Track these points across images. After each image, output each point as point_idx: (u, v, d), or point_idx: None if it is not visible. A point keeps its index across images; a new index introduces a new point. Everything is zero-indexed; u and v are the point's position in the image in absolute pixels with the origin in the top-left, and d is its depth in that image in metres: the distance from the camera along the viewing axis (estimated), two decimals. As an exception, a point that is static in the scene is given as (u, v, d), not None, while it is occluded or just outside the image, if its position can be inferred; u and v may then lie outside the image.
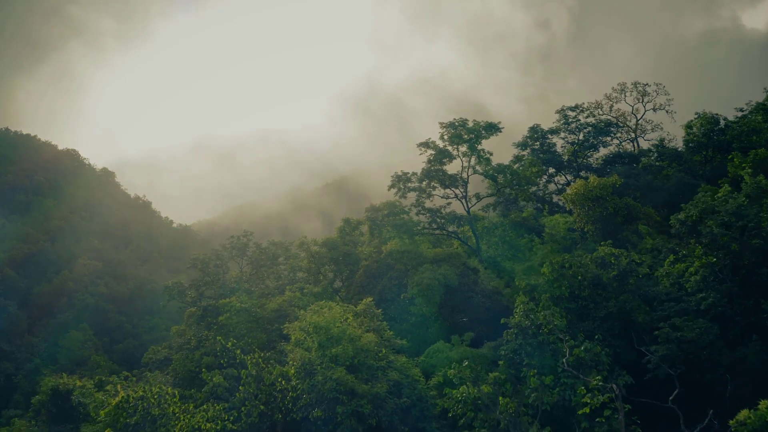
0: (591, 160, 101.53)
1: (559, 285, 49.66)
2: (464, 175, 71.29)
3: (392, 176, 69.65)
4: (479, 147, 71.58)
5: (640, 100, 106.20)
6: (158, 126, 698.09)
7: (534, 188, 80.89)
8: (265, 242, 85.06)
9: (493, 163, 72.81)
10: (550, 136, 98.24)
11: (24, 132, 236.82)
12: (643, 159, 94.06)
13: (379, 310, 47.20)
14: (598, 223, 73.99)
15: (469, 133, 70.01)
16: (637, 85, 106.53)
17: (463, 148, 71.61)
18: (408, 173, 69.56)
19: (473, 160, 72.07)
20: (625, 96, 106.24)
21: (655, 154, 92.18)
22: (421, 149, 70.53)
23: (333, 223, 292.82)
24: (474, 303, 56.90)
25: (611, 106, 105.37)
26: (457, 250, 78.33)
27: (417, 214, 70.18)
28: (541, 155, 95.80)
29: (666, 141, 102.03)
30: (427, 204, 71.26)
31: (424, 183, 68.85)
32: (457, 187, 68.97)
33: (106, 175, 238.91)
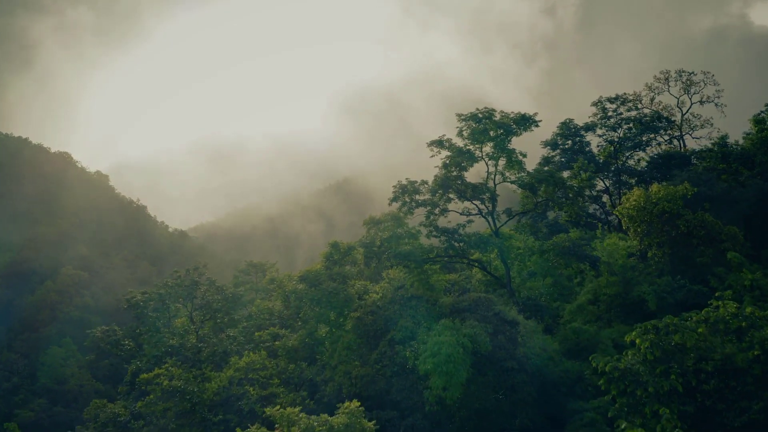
0: (632, 161, 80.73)
1: (664, 371, 28.88)
2: (490, 183, 50.66)
3: (395, 186, 49.11)
4: (509, 146, 51.07)
5: (686, 91, 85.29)
6: (159, 127, 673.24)
7: (583, 202, 59.44)
8: (234, 274, 65.29)
9: (525, 167, 52.23)
10: (583, 132, 77.29)
11: (15, 135, 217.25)
12: (700, 161, 72.92)
13: (371, 423, 26.80)
14: (666, 247, 53.24)
15: (496, 128, 49.37)
16: (682, 74, 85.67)
17: (488, 148, 51.08)
18: (416, 182, 48.95)
19: (501, 163, 51.48)
20: (669, 86, 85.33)
21: (718, 155, 71.04)
22: (432, 149, 49.95)
23: (335, 226, 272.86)
24: (515, 376, 36.31)
25: (653, 97, 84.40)
26: (477, 276, 57.90)
27: (428, 236, 49.53)
28: (573, 156, 75.06)
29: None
30: (441, 221, 50.68)
31: (438, 195, 48.16)
32: (482, 201, 48.27)
33: (100, 178, 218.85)
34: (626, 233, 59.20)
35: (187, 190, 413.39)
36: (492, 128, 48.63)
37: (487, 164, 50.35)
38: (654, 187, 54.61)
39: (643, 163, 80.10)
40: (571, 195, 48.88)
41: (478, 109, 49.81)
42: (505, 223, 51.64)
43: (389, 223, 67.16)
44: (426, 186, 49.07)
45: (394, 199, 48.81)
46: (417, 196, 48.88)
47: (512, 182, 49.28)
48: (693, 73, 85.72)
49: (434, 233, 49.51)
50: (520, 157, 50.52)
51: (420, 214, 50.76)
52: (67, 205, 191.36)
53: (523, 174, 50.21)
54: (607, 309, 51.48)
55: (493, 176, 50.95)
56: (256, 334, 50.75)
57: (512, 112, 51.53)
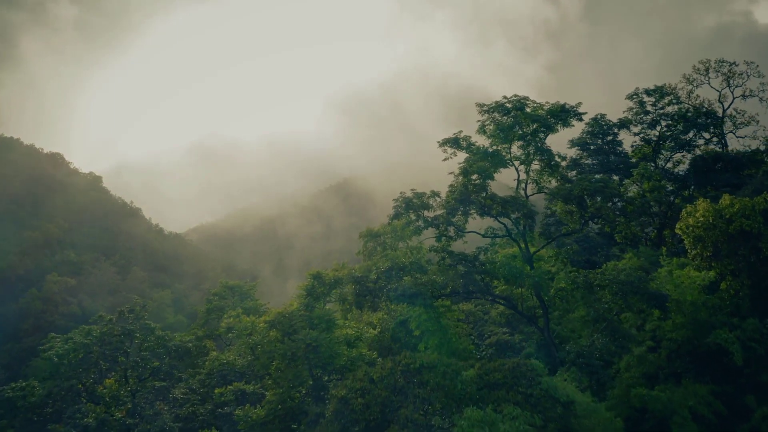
0: (669, 164, 67.17)
1: None
2: (521, 193, 37.27)
3: (396, 200, 35.68)
4: (544, 146, 37.73)
5: (728, 84, 71.85)
6: (158, 128, 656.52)
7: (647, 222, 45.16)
8: (207, 297, 52.44)
9: (563, 172, 38.75)
10: (616, 130, 63.86)
11: (6, 135, 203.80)
12: (756, 165, 59.41)
13: None
14: (744, 276, 39.75)
15: (530, 123, 35.92)
16: (723, 64, 72.23)
17: (516, 148, 37.74)
18: (424, 194, 35.47)
19: (534, 168, 38.10)
20: (709, 78, 71.84)
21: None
22: (446, 150, 36.53)
23: (334, 227, 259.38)
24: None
25: (690, 90, 70.82)
26: (498, 308, 44.98)
27: (440, 264, 36.12)
28: (606, 157, 61.66)
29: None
30: (454, 244, 37.26)
31: (453, 211, 34.62)
32: (516, 221, 34.77)
33: (93, 179, 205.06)
34: (680, 254, 45.98)
35: (187, 190, 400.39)
36: (525, 122, 35.18)
37: (517, 170, 36.89)
38: (725, 199, 41.26)
39: (683, 166, 66.77)
40: (630, 210, 35.30)
41: (506, 98, 36.35)
42: (543, 247, 38.14)
43: (389, 236, 53.88)
44: (437, 199, 35.61)
45: (396, 216, 35.41)
46: (426, 212, 35.43)
47: (551, 194, 35.72)
48: (735, 63, 72.38)
49: (448, 259, 36.03)
50: (558, 160, 37.07)
51: (428, 235, 37.42)
52: (56, 208, 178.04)
53: (566, 184, 36.65)
54: (669, 358, 38.14)
55: (524, 185, 37.48)
56: (216, 391, 37.57)
57: (546, 102, 38.12)
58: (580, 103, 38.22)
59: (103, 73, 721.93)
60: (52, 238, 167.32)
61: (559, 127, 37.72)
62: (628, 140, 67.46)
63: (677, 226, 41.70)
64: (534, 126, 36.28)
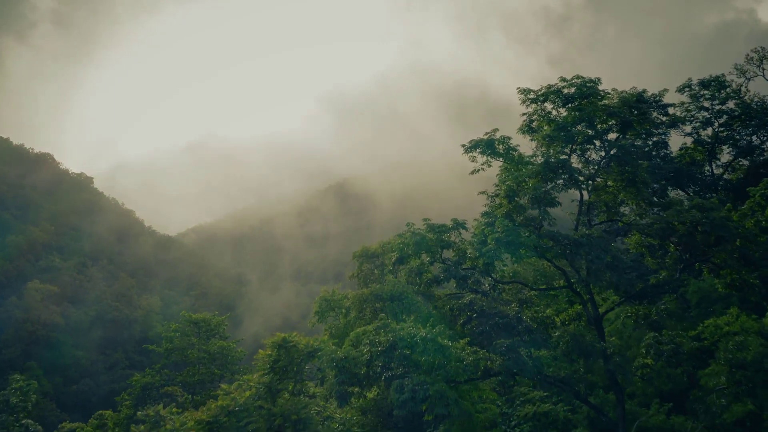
0: (720, 168, 54.26)
1: None
2: (583, 220, 24.24)
3: (401, 236, 22.68)
4: (618, 152, 24.80)
5: (782, 75, 58.93)
6: (157, 128, 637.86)
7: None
8: (165, 335, 40.49)
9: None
10: (664, 129, 50.79)
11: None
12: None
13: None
14: None
15: (604, 118, 22.97)
16: (775, 52, 59.39)
17: (575, 157, 24.72)
18: (444, 228, 22.38)
19: (597, 184, 25.12)
20: (763, 69, 58.93)
21: None
22: (474, 157, 23.35)
23: (331, 230, 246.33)
24: None
25: (742, 84, 57.88)
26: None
27: (466, 327, 23.31)
28: (648, 163, 48.67)
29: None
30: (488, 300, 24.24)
31: (491, 259, 21.47)
32: (597, 273, 21.67)
33: (84, 180, 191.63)
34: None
35: (185, 190, 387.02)
36: (598, 115, 22.25)
37: (580, 188, 23.86)
38: None
39: (740, 173, 53.88)
40: (749, 248, 22.43)
41: (564, 80, 23.34)
42: (619, 305, 25.18)
43: (387, 257, 41.09)
44: (461, 233, 22.59)
45: (401, 261, 22.44)
46: (446, 253, 22.48)
47: (639, 228, 22.60)
48: (791, 50, 59.48)
49: (475, 321, 23.11)
50: (644, 176, 24.13)
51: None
52: (43, 210, 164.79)
53: (647, 207, 23.69)
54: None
55: (584, 211, 24.46)
56: None
57: (613, 90, 25.17)
58: (665, 90, 25.28)
59: (100, 72, 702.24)
60: (37, 243, 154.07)
61: (635, 123, 24.93)
62: (676, 141, 54.94)
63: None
64: (605, 124, 23.36)
